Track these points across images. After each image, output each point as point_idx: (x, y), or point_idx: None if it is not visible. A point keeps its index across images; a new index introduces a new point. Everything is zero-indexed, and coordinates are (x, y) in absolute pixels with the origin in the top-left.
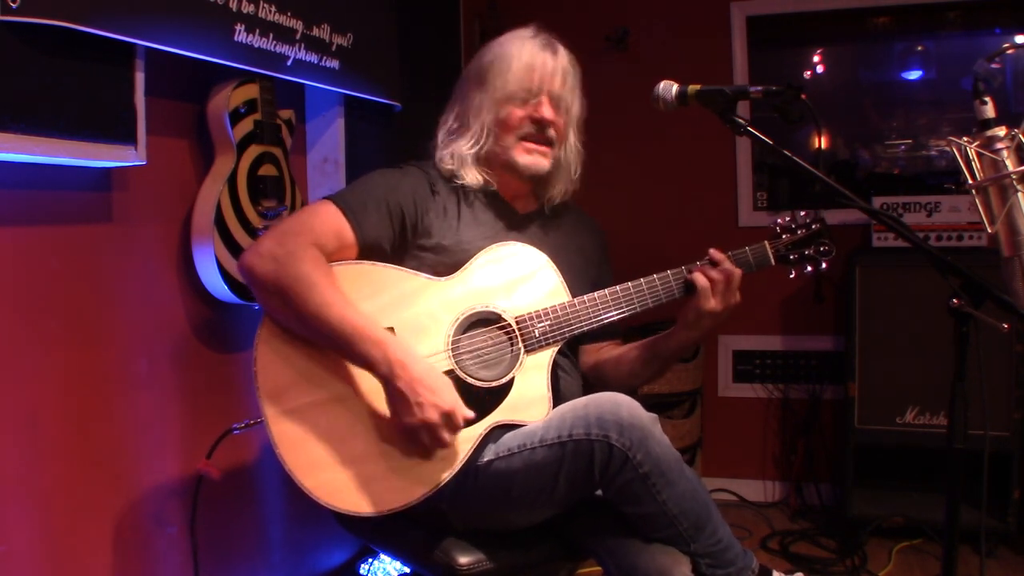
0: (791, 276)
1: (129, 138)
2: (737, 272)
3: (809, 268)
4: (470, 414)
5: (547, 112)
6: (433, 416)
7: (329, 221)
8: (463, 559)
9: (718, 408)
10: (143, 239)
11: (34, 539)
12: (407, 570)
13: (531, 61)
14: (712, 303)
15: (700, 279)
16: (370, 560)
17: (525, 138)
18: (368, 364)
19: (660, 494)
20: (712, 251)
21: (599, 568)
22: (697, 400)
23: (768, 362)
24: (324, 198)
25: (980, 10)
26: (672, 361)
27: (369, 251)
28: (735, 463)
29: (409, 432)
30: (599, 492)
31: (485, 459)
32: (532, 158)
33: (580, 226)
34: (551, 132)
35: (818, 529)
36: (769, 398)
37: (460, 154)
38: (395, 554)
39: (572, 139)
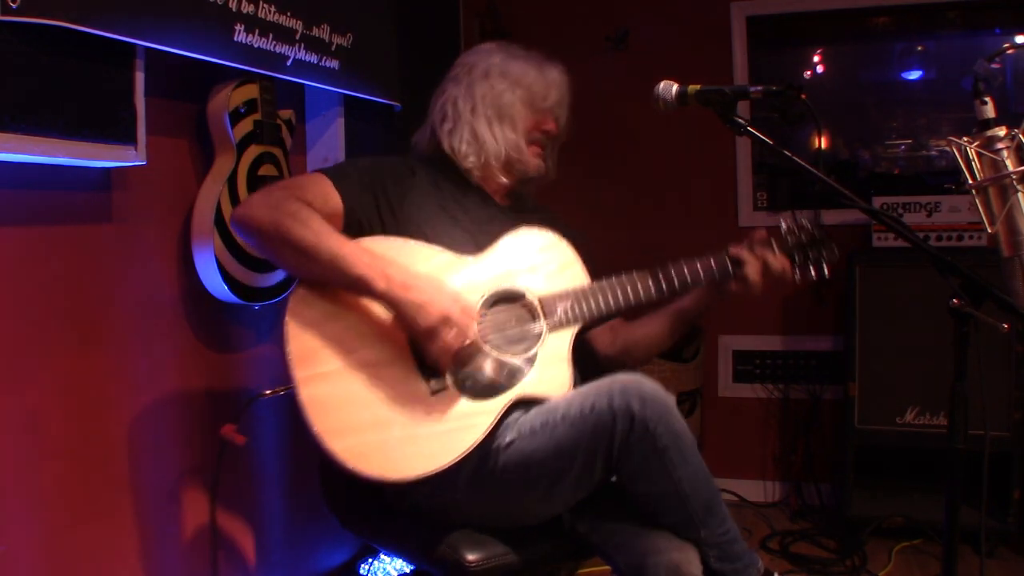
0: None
1: (129, 138)
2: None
3: (812, 272)
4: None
5: (553, 127)
6: (448, 305)
7: (316, 184)
8: (471, 555)
9: (718, 408)
10: (143, 239)
11: (34, 539)
12: (407, 570)
13: (555, 80)
14: (760, 287)
15: (753, 273)
16: (370, 560)
17: (534, 143)
18: (365, 282)
19: (675, 471)
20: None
21: (601, 568)
22: (697, 400)
23: (768, 362)
24: (310, 172)
25: (980, 10)
26: (696, 321)
27: (354, 219)
28: (735, 463)
29: (428, 336)
30: (613, 479)
31: (507, 440)
32: (539, 161)
33: (555, 226)
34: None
35: (818, 529)
36: (769, 398)
37: (502, 142)
38: (399, 552)
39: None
